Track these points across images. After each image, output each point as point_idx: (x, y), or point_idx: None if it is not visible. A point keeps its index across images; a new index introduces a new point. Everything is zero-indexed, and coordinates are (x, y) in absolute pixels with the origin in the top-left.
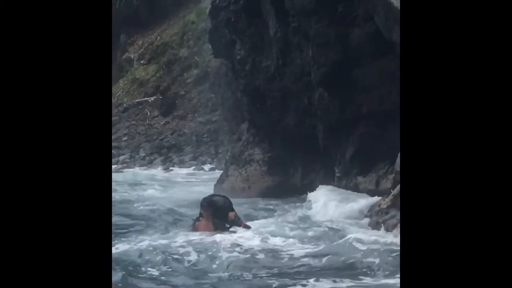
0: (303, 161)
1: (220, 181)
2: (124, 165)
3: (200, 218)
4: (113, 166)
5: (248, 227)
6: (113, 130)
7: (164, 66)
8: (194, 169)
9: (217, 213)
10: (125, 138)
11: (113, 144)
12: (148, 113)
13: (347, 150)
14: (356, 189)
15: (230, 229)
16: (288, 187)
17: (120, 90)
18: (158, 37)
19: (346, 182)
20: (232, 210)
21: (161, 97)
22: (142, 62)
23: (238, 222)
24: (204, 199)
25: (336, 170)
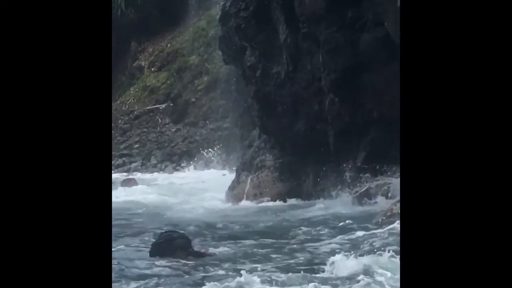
0: (315, 167)
1: (231, 187)
2: (136, 172)
3: None
4: (124, 174)
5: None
6: (124, 138)
7: (174, 74)
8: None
9: None
10: (136, 146)
11: (125, 151)
12: (159, 121)
13: (358, 155)
14: (367, 194)
15: None
16: (300, 193)
17: (131, 98)
18: (169, 45)
19: (357, 187)
20: None
21: (172, 104)
22: (152, 69)
23: None
24: None
25: (347, 176)
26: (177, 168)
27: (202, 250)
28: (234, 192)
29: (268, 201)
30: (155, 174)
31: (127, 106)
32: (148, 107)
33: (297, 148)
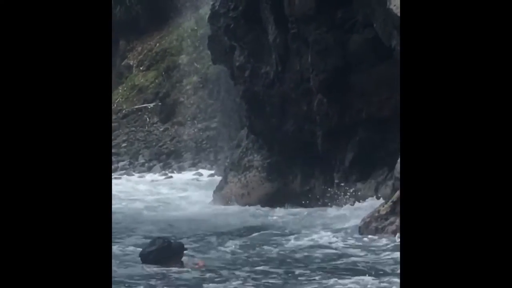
0: (302, 167)
1: (219, 187)
2: (123, 171)
3: None
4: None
5: None
6: (112, 137)
7: (163, 73)
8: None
9: None
10: (124, 145)
11: (112, 150)
12: (147, 120)
13: (346, 156)
14: (355, 195)
15: None
16: (287, 193)
17: (119, 97)
18: (158, 44)
19: (345, 188)
20: None
21: (160, 103)
22: (141, 68)
23: None
24: None
25: (335, 176)
26: (164, 168)
27: (196, 264)
28: (222, 192)
29: (255, 203)
30: (143, 174)
31: (115, 105)
32: (136, 106)
33: (285, 149)
